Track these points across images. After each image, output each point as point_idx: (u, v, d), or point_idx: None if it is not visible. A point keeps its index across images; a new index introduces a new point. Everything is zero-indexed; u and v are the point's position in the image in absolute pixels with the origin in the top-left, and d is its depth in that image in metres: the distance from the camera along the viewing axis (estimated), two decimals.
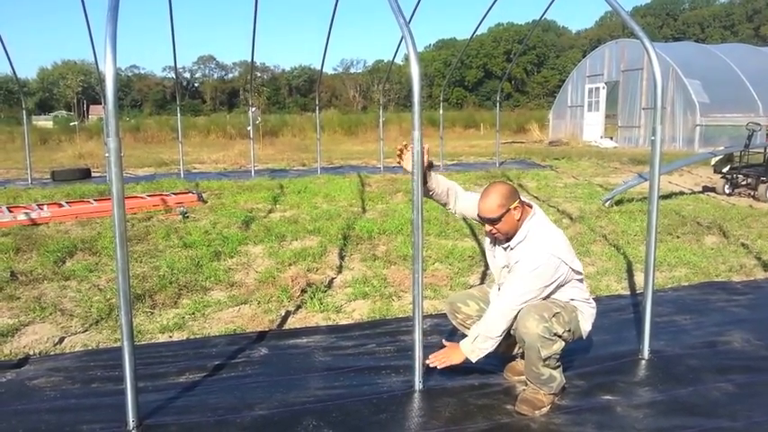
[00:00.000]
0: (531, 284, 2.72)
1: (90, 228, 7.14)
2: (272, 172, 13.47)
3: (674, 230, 6.60)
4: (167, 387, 3.05)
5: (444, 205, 3.11)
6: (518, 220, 2.80)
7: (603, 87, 21.54)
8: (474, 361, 2.80)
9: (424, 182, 2.90)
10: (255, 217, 7.71)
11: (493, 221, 2.78)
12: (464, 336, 2.99)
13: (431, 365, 2.89)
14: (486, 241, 3.06)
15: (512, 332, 2.84)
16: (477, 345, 2.77)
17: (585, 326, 2.90)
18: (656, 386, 3.00)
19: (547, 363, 2.68)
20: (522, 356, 2.93)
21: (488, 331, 2.75)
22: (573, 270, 2.81)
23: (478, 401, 2.84)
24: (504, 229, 2.79)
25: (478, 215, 2.85)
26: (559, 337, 2.70)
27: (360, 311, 4.26)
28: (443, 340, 3.03)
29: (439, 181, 3.02)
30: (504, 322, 2.74)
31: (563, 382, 2.80)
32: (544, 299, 2.76)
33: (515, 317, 2.73)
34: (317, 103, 15.16)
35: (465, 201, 3.05)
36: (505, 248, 2.88)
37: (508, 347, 3.05)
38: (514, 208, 2.77)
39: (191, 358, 3.43)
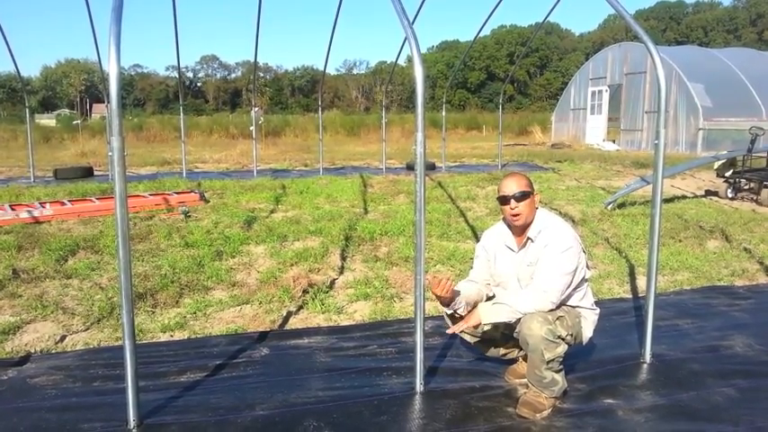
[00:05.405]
0: (566, 266, 2.73)
1: (92, 226, 7.15)
2: (275, 172, 13.46)
3: (677, 234, 6.58)
4: (168, 386, 3.05)
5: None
6: (535, 209, 2.86)
7: (606, 90, 21.53)
8: (484, 322, 2.73)
9: (452, 304, 2.82)
10: (257, 217, 7.72)
11: (523, 195, 2.79)
12: (463, 338, 3.00)
13: (450, 333, 2.86)
14: (483, 254, 3.01)
15: (515, 335, 2.84)
16: (495, 308, 2.72)
17: (587, 332, 2.90)
18: (657, 390, 3.00)
19: (550, 366, 2.68)
20: (524, 359, 2.93)
21: (515, 303, 2.70)
22: (585, 266, 2.85)
23: (479, 404, 2.84)
24: (525, 211, 2.81)
25: (504, 195, 2.82)
26: (562, 339, 2.70)
27: (361, 313, 4.26)
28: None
29: (469, 294, 2.90)
30: (536, 304, 2.68)
31: (565, 386, 2.79)
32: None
33: (520, 319, 2.71)
34: (319, 103, 15.17)
35: (481, 273, 3.00)
36: (523, 246, 2.86)
37: (510, 350, 3.05)
38: (535, 194, 2.86)
39: (192, 358, 3.44)
